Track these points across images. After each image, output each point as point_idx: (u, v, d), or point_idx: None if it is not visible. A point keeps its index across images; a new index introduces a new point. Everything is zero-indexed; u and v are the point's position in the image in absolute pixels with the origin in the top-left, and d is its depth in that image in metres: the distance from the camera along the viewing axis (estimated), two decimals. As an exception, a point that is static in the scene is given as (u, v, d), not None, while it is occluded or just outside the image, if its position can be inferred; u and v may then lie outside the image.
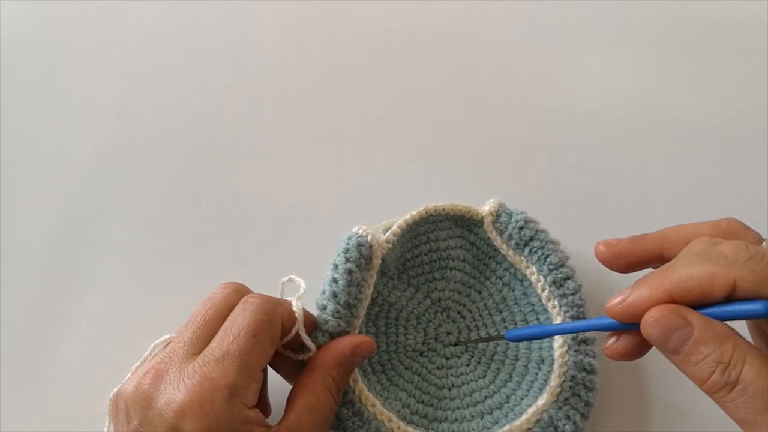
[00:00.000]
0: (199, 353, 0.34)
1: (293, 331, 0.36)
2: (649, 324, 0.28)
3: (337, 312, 0.39)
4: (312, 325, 0.39)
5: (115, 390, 0.36)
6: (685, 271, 0.28)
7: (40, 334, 0.48)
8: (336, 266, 0.40)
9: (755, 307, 0.27)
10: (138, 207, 0.52)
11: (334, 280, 0.39)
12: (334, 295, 0.39)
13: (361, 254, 0.40)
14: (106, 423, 0.39)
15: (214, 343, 0.34)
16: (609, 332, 0.33)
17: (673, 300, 0.28)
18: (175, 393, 0.32)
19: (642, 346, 0.31)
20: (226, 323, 0.35)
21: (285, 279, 0.40)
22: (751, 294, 0.27)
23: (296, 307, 0.37)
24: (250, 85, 0.56)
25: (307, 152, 0.53)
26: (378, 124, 0.54)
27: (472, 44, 0.57)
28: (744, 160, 0.51)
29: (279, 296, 0.39)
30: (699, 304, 0.28)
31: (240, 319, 0.34)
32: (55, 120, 0.57)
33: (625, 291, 0.30)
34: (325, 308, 0.39)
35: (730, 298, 0.28)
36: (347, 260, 0.39)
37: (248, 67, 0.57)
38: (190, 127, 0.55)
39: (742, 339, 0.27)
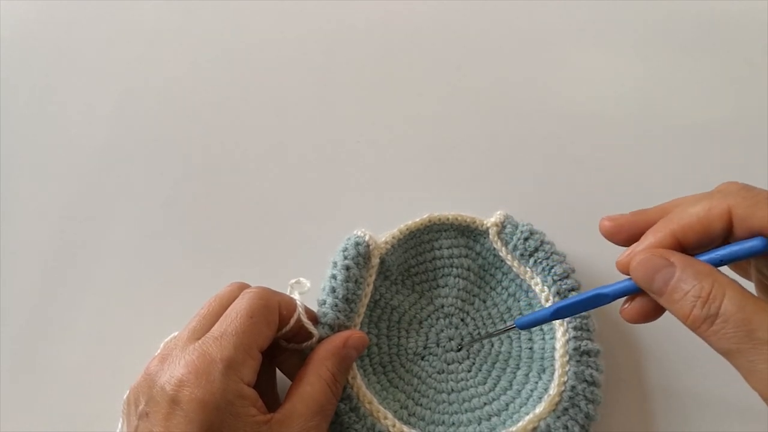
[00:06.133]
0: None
1: (293, 320, 0.38)
2: (634, 268, 0.30)
3: (336, 305, 0.40)
4: (314, 320, 0.40)
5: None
6: (685, 211, 0.30)
7: (40, 334, 0.49)
8: (335, 263, 0.42)
9: (754, 243, 0.28)
10: (138, 207, 0.53)
11: (333, 276, 0.41)
12: (333, 290, 0.41)
13: (359, 252, 0.42)
14: (119, 424, 0.38)
15: (215, 326, 0.36)
16: (625, 297, 0.33)
17: (678, 241, 0.30)
18: (176, 368, 0.34)
19: (656, 307, 0.32)
20: (226, 311, 0.37)
21: (293, 281, 0.41)
22: (746, 220, 0.28)
23: (296, 295, 0.39)
24: (250, 84, 0.57)
25: (309, 153, 0.54)
26: (378, 124, 0.55)
27: (474, 45, 0.58)
28: (744, 160, 0.51)
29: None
30: (704, 242, 0.30)
31: (237, 305, 0.37)
32: (55, 120, 0.57)
33: (632, 246, 0.32)
34: (324, 303, 0.41)
35: (731, 233, 0.29)
36: (345, 257, 0.42)
37: (249, 67, 0.58)
38: (190, 127, 0.56)
39: (724, 276, 0.28)
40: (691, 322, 0.28)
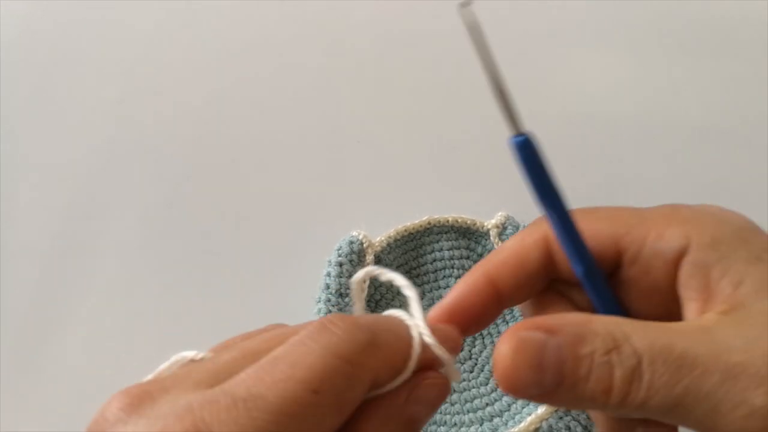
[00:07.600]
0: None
1: (409, 367, 0.21)
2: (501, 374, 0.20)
3: (328, 300, 0.42)
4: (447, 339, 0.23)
5: None
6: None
7: (40, 334, 0.48)
8: (329, 261, 0.44)
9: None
10: (138, 208, 0.52)
11: (327, 274, 0.43)
12: (327, 286, 0.43)
13: (352, 250, 0.44)
14: None
15: (244, 373, 0.19)
16: None
17: (492, 282, 0.24)
18: None
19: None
20: (277, 350, 0.20)
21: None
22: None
23: (415, 331, 0.22)
24: (250, 85, 0.57)
25: (309, 153, 0.54)
26: (378, 124, 0.55)
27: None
28: (744, 160, 0.51)
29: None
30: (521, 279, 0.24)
31: (293, 353, 0.19)
32: (55, 121, 0.57)
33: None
34: (319, 299, 0.42)
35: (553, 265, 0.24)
36: (339, 255, 0.43)
37: (249, 68, 0.58)
38: (191, 127, 0.56)
39: (599, 316, 0.21)
40: (617, 393, 0.18)
